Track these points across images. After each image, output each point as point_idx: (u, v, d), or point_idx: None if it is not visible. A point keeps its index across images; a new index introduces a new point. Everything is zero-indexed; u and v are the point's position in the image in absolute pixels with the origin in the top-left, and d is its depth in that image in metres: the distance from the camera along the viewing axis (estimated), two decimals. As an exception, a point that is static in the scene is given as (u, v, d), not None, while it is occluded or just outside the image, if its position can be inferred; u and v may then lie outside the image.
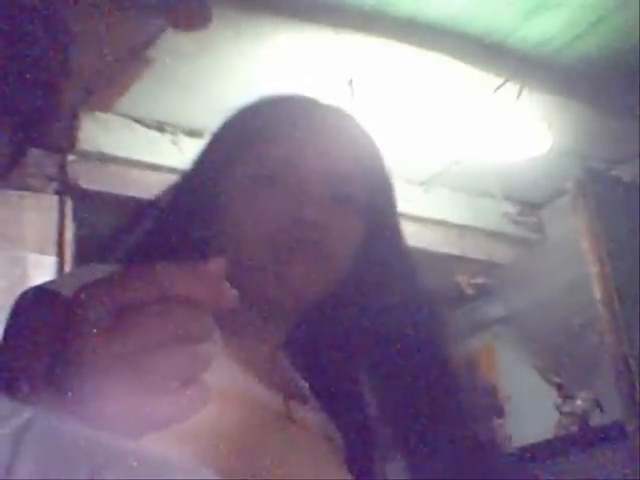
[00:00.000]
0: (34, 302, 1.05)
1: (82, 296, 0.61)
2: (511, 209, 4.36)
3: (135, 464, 0.59)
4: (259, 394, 1.10)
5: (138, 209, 1.26)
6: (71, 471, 0.57)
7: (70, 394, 0.60)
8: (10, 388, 0.87)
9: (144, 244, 1.19)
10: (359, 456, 1.19)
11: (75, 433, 0.60)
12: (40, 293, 1.05)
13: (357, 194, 1.16)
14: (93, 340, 0.60)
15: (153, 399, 0.59)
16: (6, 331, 1.04)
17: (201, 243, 1.12)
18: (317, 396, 1.20)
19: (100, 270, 1.00)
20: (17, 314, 1.05)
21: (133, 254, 1.18)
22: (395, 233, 1.23)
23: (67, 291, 1.01)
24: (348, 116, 1.23)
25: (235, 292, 0.62)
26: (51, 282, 1.11)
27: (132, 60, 3.24)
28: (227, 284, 0.62)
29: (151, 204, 1.25)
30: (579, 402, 3.86)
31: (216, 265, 0.62)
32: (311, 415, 1.16)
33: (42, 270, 3.23)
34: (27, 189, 3.35)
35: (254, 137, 1.16)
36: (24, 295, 1.07)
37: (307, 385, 1.21)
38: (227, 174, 1.15)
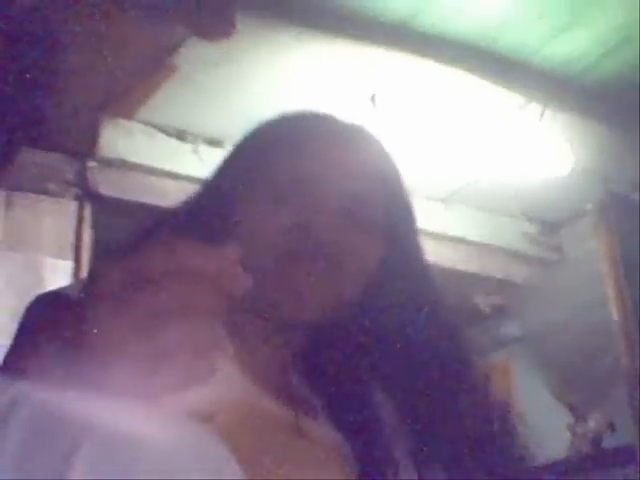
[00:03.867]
0: (44, 304, 1.07)
1: (101, 265, 0.63)
2: (531, 229, 4.34)
3: (109, 438, 0.59)
4: (269, 407, 1.09)
5: (156, 217, 1.26)
6: (52, 447, 0.58)
7: (84, 362, 0.61)
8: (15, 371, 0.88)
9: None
10: (373, 474, 1.18)
11: (59, 410, 0.60)
12: (50, 296, 1.07)
13: (373, 213, 1.15)
14: (109, 308, 0.62)
15: (161, 366, 0.60)
16: (16, 332, 1.05)
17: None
18: (329, 413, 1.20)
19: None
20: (27, 316, 1.06)
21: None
22: (414, 252, 1.22)
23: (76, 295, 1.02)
24: (368, 135, 1.23)
25: (249, 277, 0.63)
26: (63, 288, 1.12)
27: (155, 67, 3.24)
28: (241, 268, 0.63)
29: (169, 212, 1.26)
30: (592, 423, 3.84)
31: (232, 250, 0.64)
32: (322, 430, 1.14)
33: (58, 274, 3.23)
34: (46, 193, 3.36)
35: (273, 152, 1.16)
36: (35, 299, 1.08)
37: (318, 401, 1.20)
38: (245, 187, 1.15)
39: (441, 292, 1.24)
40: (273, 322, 1.12)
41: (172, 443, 0.61)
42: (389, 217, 1.17)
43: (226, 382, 1.01)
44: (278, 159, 1.15)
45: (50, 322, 0.99)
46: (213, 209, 1.16)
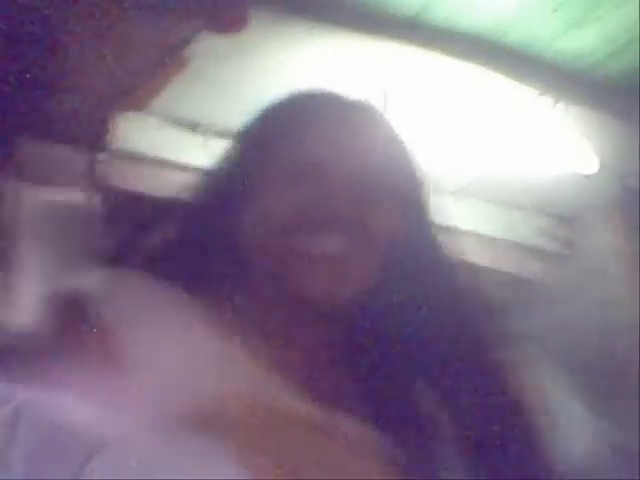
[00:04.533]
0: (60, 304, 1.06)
1: None
2: (544, 223, 4.32)
3: (122, 452, 0.60)
4: (292, 403, 1.06)
5: (161, 207, 1.25)
6: (64, 458, 0.59)
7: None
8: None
9: (171, 244, 1.18)
10: (411, 474, 1.15)
11: (65, 420, 0.61)
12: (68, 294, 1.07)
13: (385, 186, 1.16)
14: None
15: None
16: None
17: (230, 240, 1.12)
18: (366, 409, 1.16)
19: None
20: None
21: (159, 255, 1.18)
22: (428, 232, 1.24)
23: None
24: (377, 113, 1.23)
25: None
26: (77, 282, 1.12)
27: (167, 60, 3.24)
28: None
29: (176, 201, 1.25)
30: (609, 422, 3.83)
31: None
32: (353, 427, 1.11)
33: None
34: (57, 185, 3.36)
35: (285, 132, 1.16)
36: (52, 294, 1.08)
37: (354, 395, 1.16)
38: (258, 170, 1.15)
39: (457, 270, 1.25)
40: (303, 305, 1.10)
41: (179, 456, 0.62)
42: (401, 190, 1.19)
43: (246, 375, 1.01)
44: (290, 139, 1.15)
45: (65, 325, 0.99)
46: (227, 195, 1.16)
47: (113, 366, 0.73)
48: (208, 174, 1.23)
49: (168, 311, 1.07)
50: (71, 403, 0.62)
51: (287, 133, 1.16)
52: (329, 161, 1.13)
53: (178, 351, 0.99)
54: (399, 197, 1.17)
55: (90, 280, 1.10)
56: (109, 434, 0.62)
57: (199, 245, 1.13)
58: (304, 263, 1.09)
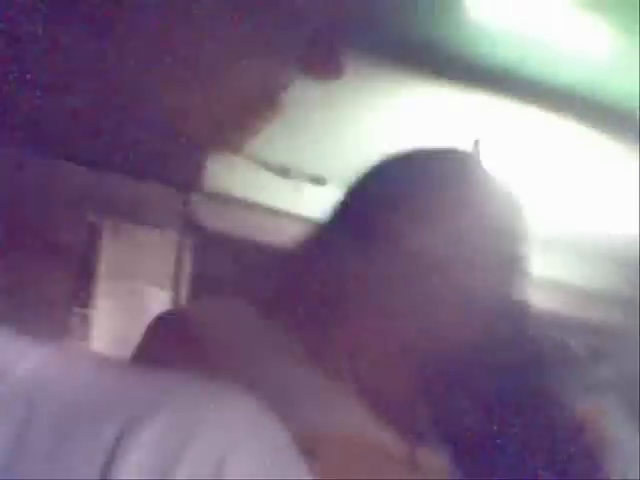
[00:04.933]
0: (165, 324, 1.14)
1: None
2: (631, 274, 4.25)
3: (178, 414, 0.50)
4: (383, 437, 1.08)
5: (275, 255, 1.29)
6: (94, 432, 0.49)
7: None
8: None
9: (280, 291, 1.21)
10: None
11: (91, 384, 0.52)
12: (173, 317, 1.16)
13: (499, 248, 1.20)
14: None
15: None
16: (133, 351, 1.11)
17: (335, 302, 1.14)
18: (450, 446, 1.17)
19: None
20: (146, 336, 1.12)
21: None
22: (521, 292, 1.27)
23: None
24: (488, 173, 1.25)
25: None
26: (188, 308, 1.17)
27: (264, 105, 3.29)
28: None
29: (287, 250, 1.26)
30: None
31: None
32: (439, 464, 1.13)
33: (158, 304, 3.28)
34: (151, 225, 3.42)
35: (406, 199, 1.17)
36: (157, 318, 1.15)
37: (442, 435, 1.17)
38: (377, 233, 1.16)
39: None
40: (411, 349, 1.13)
41: None
42: (512, 254, 1.21)
43: (339, 409, 1.02)
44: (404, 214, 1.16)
45: (169, 344, 1.03)
46: (335, 259, 1.17)
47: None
48: (320, 226, 1.24)
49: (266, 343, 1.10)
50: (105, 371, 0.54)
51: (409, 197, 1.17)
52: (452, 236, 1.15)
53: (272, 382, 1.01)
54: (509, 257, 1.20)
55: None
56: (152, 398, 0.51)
57: (304, 293, 1.16)
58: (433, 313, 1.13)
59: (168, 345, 1.06)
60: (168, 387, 0.52)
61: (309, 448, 0.92)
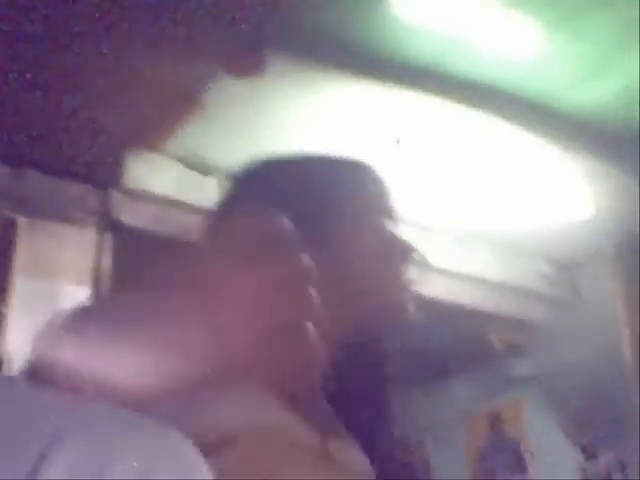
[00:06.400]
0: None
1: None
2: (548, 269, 4.32)
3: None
4: (296, 430, 1.09)
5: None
6: (14, 454, 0.49)
7: None
8: None
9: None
10: None
11: (10, 407, 0.53)
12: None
13: None
14: None
15: None
16: None
17: None
18: (352, 433, 1.21)
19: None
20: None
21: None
22: None
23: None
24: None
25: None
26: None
27: (183, 101, 3.26)
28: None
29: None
30: (602, 462, 3.83)
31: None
32: (349, 453, 1.16)
33: (76, 302, 3.23)
34: (69, 222, 3.37)
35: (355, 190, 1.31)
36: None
37: (341, 422, 1.21)
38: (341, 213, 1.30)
39: None
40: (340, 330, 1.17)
41: None
42: None
43: (255, 402, 1.03)
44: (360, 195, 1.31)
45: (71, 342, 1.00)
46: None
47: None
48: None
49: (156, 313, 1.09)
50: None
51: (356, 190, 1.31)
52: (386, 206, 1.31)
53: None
54: None
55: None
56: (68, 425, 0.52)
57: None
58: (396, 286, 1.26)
59: (70, 342, 1.03)
60: (84, 413, 0.53)
61: (227, 445, 0.92)
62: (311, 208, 1.24)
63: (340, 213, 1.28)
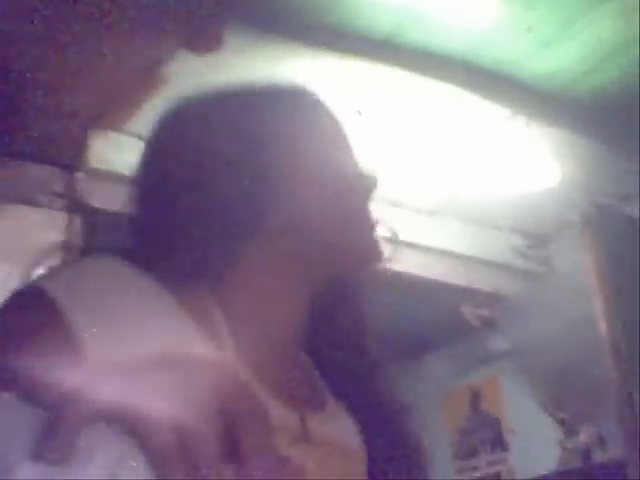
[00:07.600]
0: (20, 302, 1.06)
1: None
2: (518, 241, 4.32)
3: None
4: (272, 407, 1.04)
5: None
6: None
7: None
8: None
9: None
10: (385, 459, 1.16)
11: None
12: (27, 293, 1.06)
13: None
14: None
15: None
16: None
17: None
18: (336, 395, 1.18)
19: (95, 267, 0.99)
20: (4, 314, 1.04)
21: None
22: None
23: (55, 290, 1.01)
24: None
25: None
26: (43, 277, 1.09)
27: (144, 80, 3.26)
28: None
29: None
30: (582, 438, 3.84)
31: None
32: (330, 427, 1.11)
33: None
34: (34, 205, 3.36)
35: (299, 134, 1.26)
36: (13, 295, 1.07)
37: (327, 394, 1.17)
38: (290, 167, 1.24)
39: None
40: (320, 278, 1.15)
41: None
42: None
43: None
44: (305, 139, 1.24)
45: (25, 326, 0.96)
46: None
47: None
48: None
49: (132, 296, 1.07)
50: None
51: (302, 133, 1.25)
52: (344, 148, 1.26)
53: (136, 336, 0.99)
54: None
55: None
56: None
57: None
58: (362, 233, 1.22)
59: (26, 320, 1.00)
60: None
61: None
62: (247, 149, 1.16)
63: (283, 149, 1.19)
